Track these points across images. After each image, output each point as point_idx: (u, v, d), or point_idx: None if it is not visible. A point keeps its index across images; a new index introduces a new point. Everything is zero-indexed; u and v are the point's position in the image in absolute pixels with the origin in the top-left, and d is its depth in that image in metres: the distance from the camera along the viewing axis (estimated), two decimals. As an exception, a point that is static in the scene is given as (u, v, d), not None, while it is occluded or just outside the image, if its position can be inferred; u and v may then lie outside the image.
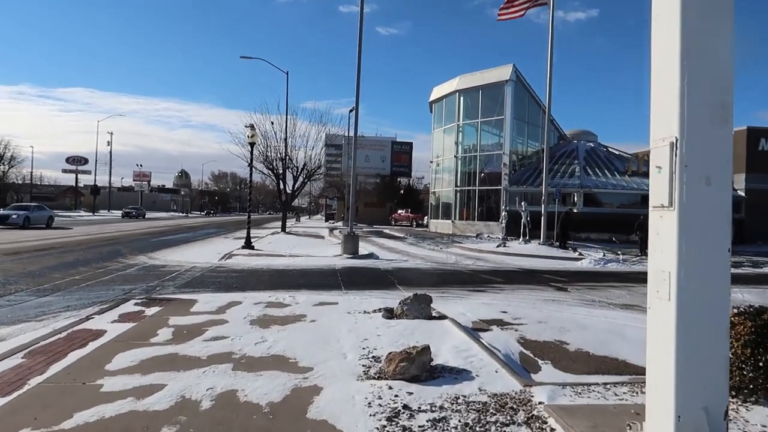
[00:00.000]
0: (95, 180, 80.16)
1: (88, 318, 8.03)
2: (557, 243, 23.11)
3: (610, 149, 37.86)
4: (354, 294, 11.33)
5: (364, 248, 21.88)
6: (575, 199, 30.64)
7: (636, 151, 39.40)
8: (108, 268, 14.89)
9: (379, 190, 69.28)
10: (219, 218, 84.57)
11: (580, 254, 21.45)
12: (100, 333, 7.01)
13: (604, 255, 21.78)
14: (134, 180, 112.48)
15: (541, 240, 23.27)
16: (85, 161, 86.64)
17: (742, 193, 33.17)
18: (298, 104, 49.54)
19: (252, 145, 22.01)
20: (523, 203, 25.40)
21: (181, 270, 15.04)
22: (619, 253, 24.41)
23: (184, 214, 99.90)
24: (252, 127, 21.90)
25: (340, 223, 49.59)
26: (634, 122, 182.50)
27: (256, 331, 7.28)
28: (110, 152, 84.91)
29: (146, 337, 6.85)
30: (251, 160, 22.15)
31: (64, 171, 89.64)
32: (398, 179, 71.82)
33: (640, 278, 15.81)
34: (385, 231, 42.10)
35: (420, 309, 8.20)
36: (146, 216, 71.09)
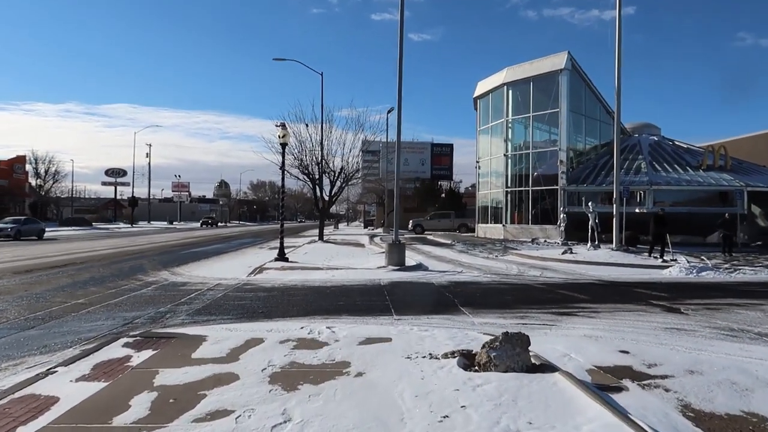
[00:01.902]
0: (133, 191, 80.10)
1: (48, 372, 5.76)
2: (650, 252, 19.78)
3: (676, 143, 34.34)
4: (409, 322, 8.86)
5: (410, 257, 19.39)
6: (643, 197, 27.40)
7: (706, 144, 35.82)
8: (121, 288, 12.85)
9: (419, 195, 66.65)
10: (256, 227, 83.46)
11: (664, 261, 18.40)
12: (43, 406, 4.69)
13: (687, 262, 18.68)
14: (173, 191, 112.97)
15: (614, 245, 20.28)
16: (124, 173, 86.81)
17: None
18: (333, 112, 47.84)
19: (284, 146, 19.81)
20: (590, 204, 22.43)
21: (203, 289, 12.86)
22: (703, 258, 21.21)
23: (223, 224, 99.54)
24: (283, 125, 19.71)
25: (380, 230, 47.20)
26: (700, 116, 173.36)
27: (277, 397, 4.86)
28: (149, 164, 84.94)
29: (110, 413, 4.50)
30: (283, 162, 19.95)
31: (104, 183, 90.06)
32: (439, 183, 69.07)
33: (758, 292, 12.88)
34: (428, 237, 39.51)
35: (514, 355, 5.63)
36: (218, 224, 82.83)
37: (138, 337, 7.53)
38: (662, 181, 27.82)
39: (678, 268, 16.43)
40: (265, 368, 5.83)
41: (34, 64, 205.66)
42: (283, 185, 20.34)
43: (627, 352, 6.59)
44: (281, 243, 20.02)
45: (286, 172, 33.22)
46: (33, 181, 78.70)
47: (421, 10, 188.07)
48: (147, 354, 6.58)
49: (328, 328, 8.05)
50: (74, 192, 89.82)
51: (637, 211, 26.81)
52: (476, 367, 5.68)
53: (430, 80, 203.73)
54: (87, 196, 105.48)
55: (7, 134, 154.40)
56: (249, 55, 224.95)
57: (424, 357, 6.24)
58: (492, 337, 5.86)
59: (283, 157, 19.97)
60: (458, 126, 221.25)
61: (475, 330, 8.14)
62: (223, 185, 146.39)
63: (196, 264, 19.15)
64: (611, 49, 20.36)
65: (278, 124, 19.89)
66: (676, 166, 29.78)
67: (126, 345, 7.02)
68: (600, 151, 34.05)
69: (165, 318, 9.28)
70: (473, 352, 6.05)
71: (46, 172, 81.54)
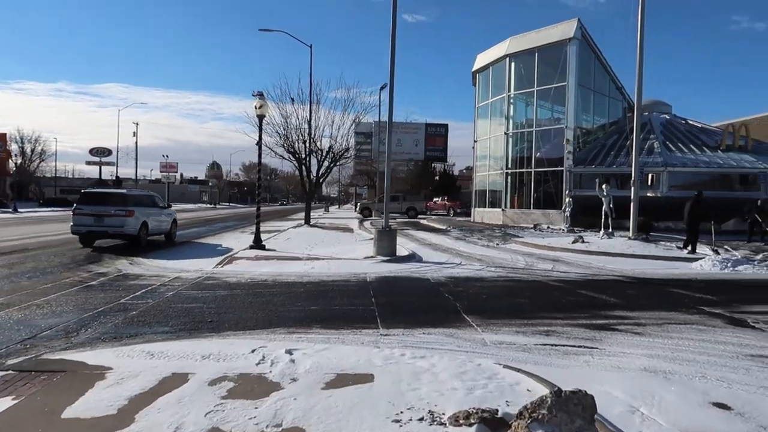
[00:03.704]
0: (117, 171, 77.50)
1: None
2: (686, 244, 17.46)
3: (690, 122, 32.04)
4: (399, 340, 6.66)
5: (401, 246, 17.19)
6: (656, 180, 25.19)
7: (724, 123, 33.59)
8: (60, 282, 10.67)
9: (413, 177, 64.31)
10: (245, 209, 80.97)
11: (691, 252, 16.26)
12: None
13: (717, 253, 16.55)
14: (161, 171, 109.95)
15: (632, 233, 18.09)
16: (109, 152, 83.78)
17: None
18: (321, 87, 45.19)
19: (260, 118, 17.41)
20: (604, 186, 20.15)
21: (155, 285, 10.63)
22: (727, 248, 19.10)
23: (212, 206, 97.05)
24: (261, 95, 17.30)
25: (380, 213, 44.95)
26: (714, 95, 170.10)
27: None
28: (136, 143, 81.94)
29: None
30: (260, 137, 17.54)
31: (88, 163, 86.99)
32: (432, 165, 66.66)
33: None
34: (422, 222, 37.24)
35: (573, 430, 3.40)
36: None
37: (11, 371, 5.27)
38: (678, 163, 25.57)
39: (710, 262, 14.28)
40: (166, 445, 3.60)
41: (25, 42, 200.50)
42: (259, 162, 17.97)
43: (727, 407, 4.40)
44: (257, 229, 17.72)
45: (270, 151, 31.16)
46: (19, 160, 75.95)
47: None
48: (2, 405, 4.34)
49: (288, 352, 5.84)
50: (64, 172, 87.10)
51: (649, 195, 24.63)
52: (508, 450, 3.46)
53: (423, 62, 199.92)
54: (76, 176, 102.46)
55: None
56: (238, 35, 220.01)
57: (421, 421, 4.01)
58: (536, 400, 3.59)
59: (260, 130, 17.59)
60: (451, 110, 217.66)
61: (491, 357, 5.95)
62: (214, 166, 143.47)
63: (164, 251, 16.86)
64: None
65: (255, 94, 17.47)
66: (691, 146, 27.50)
67: (-17, 386, 4.78)
68: (608, 131, 31.70)
69: (82, 330, 7.04)
70: (501, 417, 3.82)
71: (32, 151, 78.76)
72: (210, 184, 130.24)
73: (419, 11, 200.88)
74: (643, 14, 18.41)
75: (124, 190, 18.95)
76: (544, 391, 4.66)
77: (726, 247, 19.43)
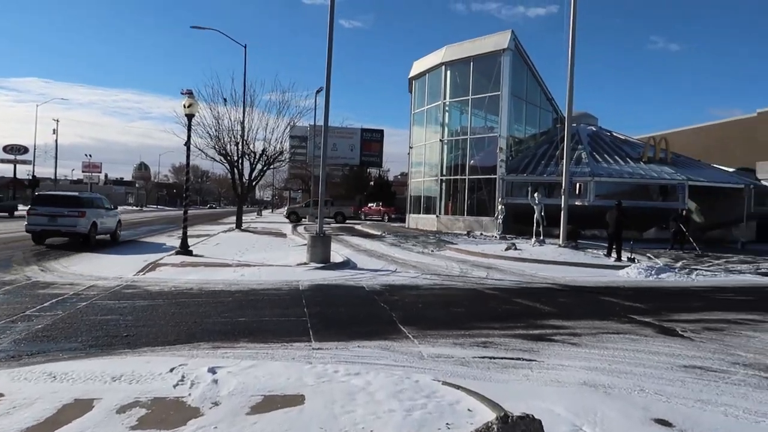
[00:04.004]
0: (33, 170, 72.76)
1: None
2: (610, 251, 17.95)
3: (614, 134, 33.40)
4: (333, 354, 6.30)
5: (336, 252, 16.79)
6: (583, 189, 25.99)
7: (645, 136, 35.21)
8: (-51, 293, 9.54)
9: (348, 182, 63.95)
10: (174, 212, 77.94)
11: (627, 259, 16.68)
12: None
13: (639, 261, 17.16)
14: (83, 171, 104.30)
15: (562, 241, 18.48)
16: (25, 150, 78.53)
17: (768, 184, 29.20)
18: (255, 88, 44.20)
19: (189, 117, 16.59)
20: (536, 195, 20.52)
21: (68, 294, 9.77)
22: (650, 256, 19.91)
23: (139, 208, 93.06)
24: (190, 93, 16.48)
25: (306, 218, 44.19)
26: (635, 109, 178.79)
27: None
28: (56, 141, 77.47)
29: None
30: (188, 137, 16.69)
31: (2, 161, 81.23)
32: (368, 170, 66.51)
33: (737, 301, 11.11)
34: (356, 227, 36.92)
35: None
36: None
37: None
38: (604, 173, 26.53)
39: (636, 269, 14.73)
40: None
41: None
42: (188, 164, 17.12)
43: (668, 424, 4.30)
44: (184, 233, 16.85)
45: (201, 152, 29.96)
46: None
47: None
48: None
49: (211, 371, 5.35)
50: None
51: (577, 203, 25.39)
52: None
53: (360, 68, 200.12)
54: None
55: None
56: (169, 34, 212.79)
57: (356, 451, 3.66)
58: (481, 427, 3.32)
59: (189, 130, 16.75)
60: (386, 116, 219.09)
61: (429, 372, 5.68)
62: (142, 167, 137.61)
63: (81, 256, 15.69)
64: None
65: (184, 92, 16.63)
66: (616, 157, 28.63)
67: None
68: (539, 140, 32.55)
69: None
70: (441, 445, 3.53)
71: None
72: (137, 185, 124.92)
73: (356, 17, 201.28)
74: (574, 30, 18.90)
75: (76, 193, 20.15)
76: (485, 410, 4.43)
77: (649, 255, 20.25)
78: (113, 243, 19.88)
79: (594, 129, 32.77)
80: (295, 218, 44.53)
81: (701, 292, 12.37)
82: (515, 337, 7.41)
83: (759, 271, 16.77)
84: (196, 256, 16.20)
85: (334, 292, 10.94)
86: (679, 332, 7.85)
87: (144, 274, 12.79)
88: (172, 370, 5.40)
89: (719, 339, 7.47)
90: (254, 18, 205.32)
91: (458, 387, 5.07)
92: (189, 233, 26.33)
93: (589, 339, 7.35)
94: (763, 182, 29.33)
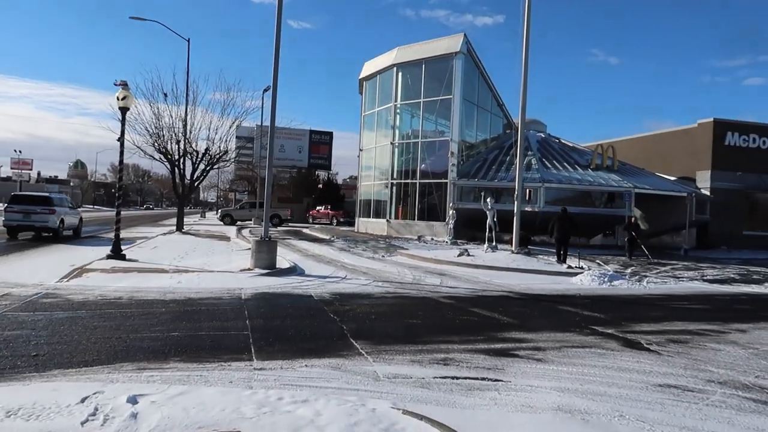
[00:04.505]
0: (-45, 166, 67.97)
1: None
2: (559, 257, 17.86)
3: (562, 141, 33.78)
4: (277, 377, 5.57)
5: (282, 257, 15.93)
6: (533, 196, 25.98)
7: (591, 144, 35.80)
8: None
9: (295, 184, 62.75)
10: (111, 213, 74.46)
11: (570, 267, 16.62)
12: None
13: (589, 268, 17.13)
14: (12, 168, 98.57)
15: (514, 247, 18.23)
16: (-53, 144, 73.60)
17: (707, 192, 30.07)
18: (201, 92, 42.43)
19: (124, 111, 15.39)
20: (488, 200, 20.21)
21: (-28, 305, 8.58)
22: (600, 263, 20.00)
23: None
24: (125, 85, 15.29)
25: (250, 221, 42.80)
26: (580, 117, 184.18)
27: None
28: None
29: None
30: (122, 132, 15.45)
31: None
32: (316, 172, 65.47)
33: (695, 309, 10.82)
34: (304, 231, 35.93)
35: None
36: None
37: None
38: (554, 179, 26.63)
39: (589, 277, 14.57)
40: None
41: None
42: (121, 162, 15.86)
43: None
44: (116, 235, 15.59)
45: (139, 150, 28.34)
46: None
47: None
48: None
49: (131, 401, 4.55)
50: None
51: (527, 209, 25.36)
52: None
53: (308, 70, 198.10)
54: None
55: None
56: (112, 28, 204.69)
57: None
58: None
59: (123, 125, 15.55)
60: (334, 119, 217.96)
61: (386, 397, 5.03)
62: (79, 165, 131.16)
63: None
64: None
65: (118, 83, 15.40)
66: (565, 164, 28.85)
67: None
68: (489, 146, 32.51)
69: None
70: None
71: None
72: (72, 184, 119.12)
73: (305, 19, 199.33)
74: (528, 35, 18.75)
75: (47, 194, 23.39)
76: (454, 447, 3.81)
77: (598, 261, 20.33)
78: (75, 238, 22.43)
79: (543, 135, 33.04)
80: (229, 221, 42.86)
81: (656, 301, 12.24)
82: (477, 352, 6.85)
83: (705, 278, 17.00)
84: (129, 260, 15.00)
85: (279, 301, 10.14)
86: (645, 345, 7.50)
87: (68, 281, 11.60)
88: (83, 400, 4.54)
89: (686, 353, 7.14)
90: (202, 18, 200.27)
91: (421, 417, 4.44)
92: (125, 236, 24.89)
93: (554, 354, 6.87)
94: (703, 191, 30.22)
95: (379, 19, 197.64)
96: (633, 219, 21.31)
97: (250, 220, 43.06)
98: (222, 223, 42.90)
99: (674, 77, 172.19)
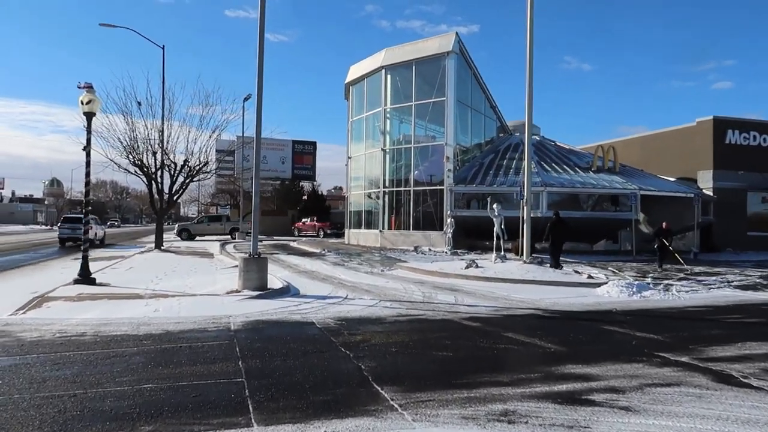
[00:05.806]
0: None
1: None
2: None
3: (558, 143, 32.55)
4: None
5: (273, 275, 14.28)
6: (537, 199, 24.58)
7: (589, 146, 34.66)
8: None
9: (279, 196, 60.86)
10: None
11: (590, 277, 15.21)
12: None
13: (606, 276, 15.71)
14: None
15: (526, 257, 16.76)
16: None
17: (709, 192, 28.99)
18: (177, 100, 40.64)
19: (89, 116, 13.71)
20: (495, 206, 18.74)
21: None
22: (612, 269, 18.66)
23: (48, 227, 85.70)
24: (90, 87, 13.61)
25: (198, 237, 40.64)
26: (574, 119, 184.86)
27: None
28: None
29: None
30: (88, 139, 13.68)
31: None
32: (300, 184, 63.68)
33: (749, 324, 9.53)
34: (291, 245, 34.16)
35: None
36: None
37: None
38: (556, 183, 25.28)
39: (616, 288, 13.12)
40: None
41: None
42: (87, 174, 14.08)
43: None
44: (84, 257, 13.81)
45: (112, 163, 26.50)
46: None
47: (277, 9, 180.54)
48: None
49: None
50: None
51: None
52: None
53: (286, 82, 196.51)
54: None
55: None
56: (87, 44, 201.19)
57: None
58: None
59: (89, 132, 13.84)
60: (319, 131, 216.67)
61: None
62: (54, 183, 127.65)
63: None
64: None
65: (82, 86, 13.70)
66: (565, 167, 27.55)
67: None
68: (484, 150, 31.15)
69: None
70: None
71: None
72: (46, 202, 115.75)
73: (281, 32, 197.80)
74: (531, 33, 17.41)
75: (81, 215, 25.10)
76: None
77: (611, 268, 18.96)
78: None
79: (538, 138, 31.76)
80: (186, 236, 39.90)
81: (704, 314, 10.84)
82: (540, 398, 5.31)
83: (732, 284, 15.71)
84: (99, 285, 13.25)
85: (277, 332, 8.50)
86: (741, 379, 6.02)
87: (25, 312, 9.90)
88: None
89: (801, 389, 5.68)
90: (174, 27, 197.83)
91: None
92: (99, 255, 23.08)
93: (640, 398, 5.35)
94: (705, 191, 29.16)
95: (355, 32, 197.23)
96: (664, 224, 19.33)
97: (209, 234, 40.95)
98: (179, 238, 40.20)
99: (642, 86, 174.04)
